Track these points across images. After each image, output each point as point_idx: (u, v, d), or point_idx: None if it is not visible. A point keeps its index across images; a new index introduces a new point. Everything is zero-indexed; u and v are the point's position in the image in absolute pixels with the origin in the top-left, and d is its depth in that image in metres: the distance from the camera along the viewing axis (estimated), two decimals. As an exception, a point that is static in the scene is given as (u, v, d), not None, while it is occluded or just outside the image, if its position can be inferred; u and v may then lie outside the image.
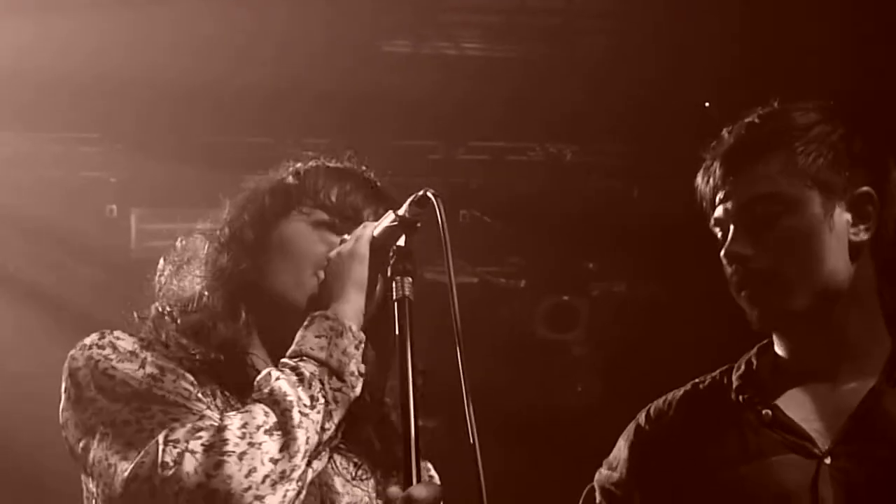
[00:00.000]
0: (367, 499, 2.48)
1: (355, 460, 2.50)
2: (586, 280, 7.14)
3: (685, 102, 5.81)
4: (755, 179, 2.58)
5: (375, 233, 2.43)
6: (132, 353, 2.34)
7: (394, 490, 2.23)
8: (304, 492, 2.26)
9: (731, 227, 2.60)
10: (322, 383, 2.29)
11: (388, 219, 2.42)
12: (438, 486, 2.28)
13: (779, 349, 2.69)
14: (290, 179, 2.60)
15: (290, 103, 5.84)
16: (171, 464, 2.15)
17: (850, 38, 5.54)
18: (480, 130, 6.54)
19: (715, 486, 2.60)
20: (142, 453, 2.19)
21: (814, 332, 2.60)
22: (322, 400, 2.28)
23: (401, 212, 2.40)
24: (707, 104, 5.70)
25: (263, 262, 2.49)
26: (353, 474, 2.48)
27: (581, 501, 2.85)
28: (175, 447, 2.17)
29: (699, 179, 2.68)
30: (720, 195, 2.62)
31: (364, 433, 2.48)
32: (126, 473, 2.20)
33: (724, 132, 2.68)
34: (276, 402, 2.24)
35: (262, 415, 2.22)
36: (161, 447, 2.17)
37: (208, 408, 2.31)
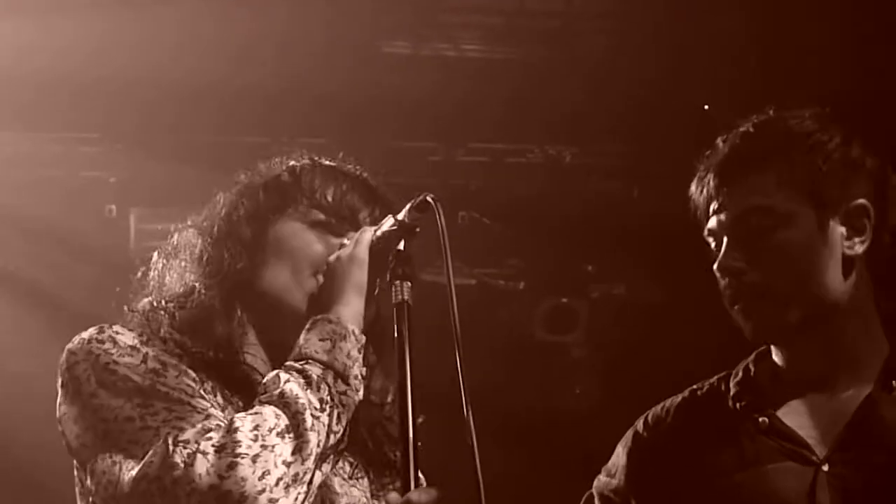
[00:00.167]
0: (364, 499, 2.48)
1: (350, 460, 2.50)
2: (585, 282, 7.13)
3: (685, 103, 5.81)
4: (749, 191, 2.55)
5: (375, 237, 2.43)
6: (133, 347, 2.33)
7: (393, 496, 2.22)
8: (312, 494, 2.26)
9: (725, 238, 2.58)
10: (329, 386, 2.29)
11: (388, 223, 2.42)
12: (437, 492, 2.27)
13: (776, 357, 2.67)
14: (285, 177, 2.58)
15: (290, 104, 5.84)
16: (182, 464, 2.14)
17: (850, 38, 5.54)
18: (480, 132, 6.54)
19: (713, 493, 2.60)
20: (150, 452, 2.18)
21: (809, 344, 2.58)
22: (330, 403, 2.28)
23: (400, 216, 2.40)
24: (706, 107, 5.70)
25: (260, 260, 2.49)
26: (350, 473, 2.48)
27: (580, 507, 2.85)
28: (185, 447, 2.16)
29: (693, 188, 2.65)
30: (714, 206, 2.60)
31: (357, 433, 2.47)
32: (134, 472, 2.18)
33: (719, 141, 2.65)
34: (286, 405, 2.24)
35: (273, 417, 2.22)
36: (170, 447, 2.16)
37: (211, 405, 2.30)
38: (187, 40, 5.53)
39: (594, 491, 2.81)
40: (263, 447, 2.17)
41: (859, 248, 2.57)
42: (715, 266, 2.59)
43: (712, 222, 2.61)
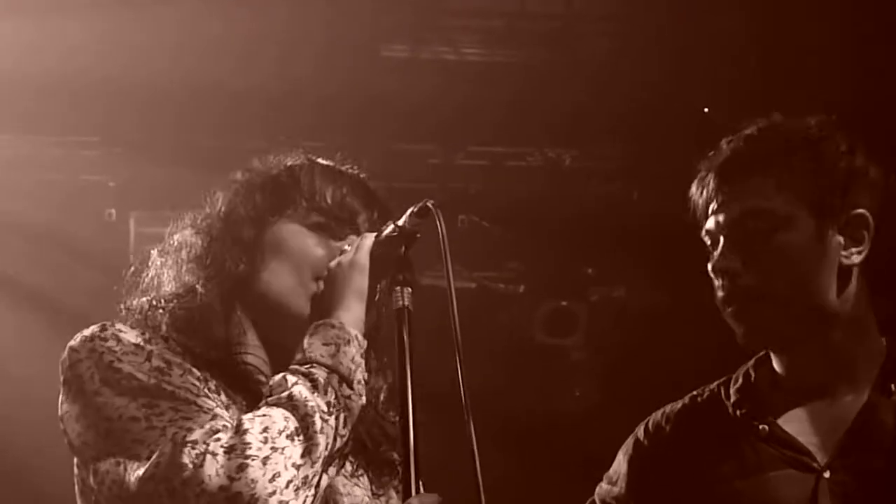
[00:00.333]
0: (366, 498, 2.48)
1: (350, 459, 2.49)
2: (585, 285, 7.12)
3: (685, 106, 5.81)
4: (749, 193, 2.54)
5: (375, 243, 2.43)
6: (136, 345, 2.31)
7: (394, 503, 2.22)
8: (318, 497, 2.26)
9: (722, 239, 2.57)
10: (335, 390, 2.29)
11: (389, 229, 2.42)
12: (437, 497, 2.26)
13: (775, 363, 2.67)
14: (284, 178, 2.57)
15: (290, 107, 5.83)
16: (192, 465, 2.13)
17: (850, 38, 5.54)
18: (480, 135, 6.54)
19: (714, 501, 2.59)
20: (157, 453, 2.17)
21: (806, 351, 2.57)
22: (337, 406, 2.28)
23: (401, 222, 2.40)
24: (706, 110, 5.70)
25: (259, 262, 2.48)
26: (352, 472, 2.48)
27: (582, 515, 2.85)
28: (194, 448, 2.15)
29: (693, 189, 2.64)
30: (713, 206, 2.59)
31: (356, 433, 2.46)
32: (141, 472, 2.17)
33: (723, 143, 2.64)
34: (295, 408, 2.23)
35: (282, 419, 2.21)
36: (178, 448, 2.15)
37: (217, 405, 2.29)
38: (186, 44, 5.54)
39: (596, 498, 2.81)
40: (273, 449, 2.17)
41: (856, 259, 2.55)
42: (710, 267, 2.59)
43: (710, 222, 2.60)
